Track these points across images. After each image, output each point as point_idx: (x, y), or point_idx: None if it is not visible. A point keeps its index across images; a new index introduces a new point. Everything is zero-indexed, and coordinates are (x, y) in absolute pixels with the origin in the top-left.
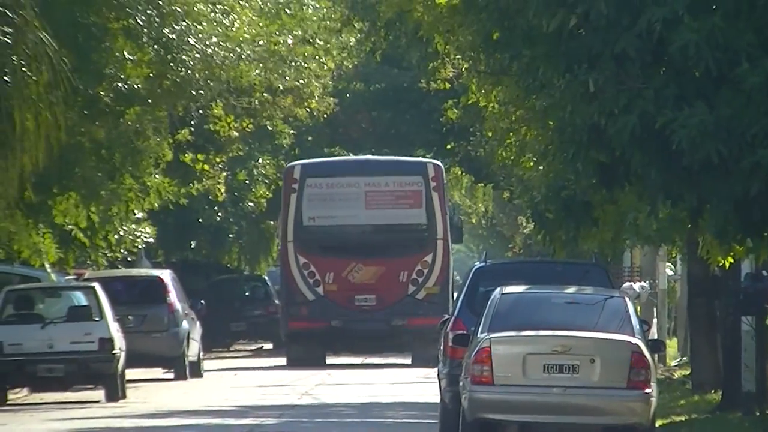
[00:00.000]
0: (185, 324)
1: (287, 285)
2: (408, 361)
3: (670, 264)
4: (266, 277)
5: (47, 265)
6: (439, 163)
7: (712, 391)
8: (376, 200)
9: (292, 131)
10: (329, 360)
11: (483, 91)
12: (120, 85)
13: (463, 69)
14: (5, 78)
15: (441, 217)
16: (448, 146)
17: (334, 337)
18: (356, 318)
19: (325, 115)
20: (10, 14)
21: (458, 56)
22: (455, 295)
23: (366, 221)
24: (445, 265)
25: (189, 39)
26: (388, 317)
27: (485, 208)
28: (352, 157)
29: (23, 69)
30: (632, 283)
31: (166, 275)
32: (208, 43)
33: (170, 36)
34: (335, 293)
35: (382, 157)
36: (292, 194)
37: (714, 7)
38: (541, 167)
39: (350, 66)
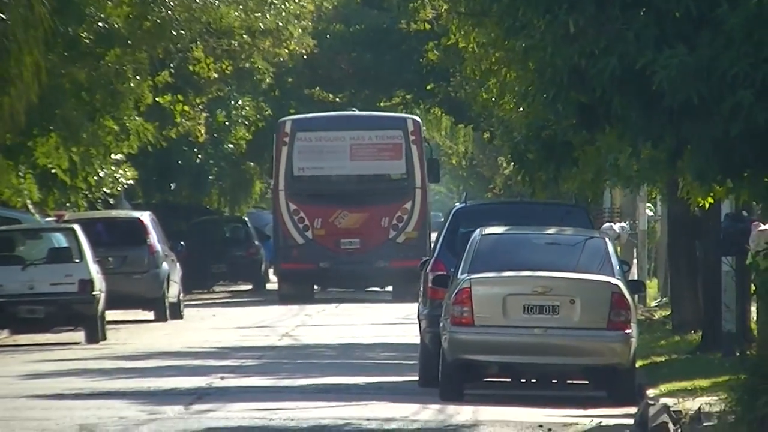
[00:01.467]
0: (165, 265)
1: (279, 230)
2: (390, 297)
3: (650, 205)
4: (246, 219)
5: (30, 206)
6: (417, 118)
7: (693, 331)
8: (360, 152)
9: (272, 69)
10: (317, 296)
11: (463, 32)
12: (100, 25)
13: (443, 10)
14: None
15: (419, 168)
16: (429, 87)
17: (322, 277)
18: (342, 260)
19: (304, 56)
20: None
21: None
22: (434, 236)
23: (351, 171)
24: (423, 212)
25: None
26: (371, 259)
27: (465, 148)
28: (338, 113)
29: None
30: (612, 224)
31: (145, 217)
32: None
33: None
34: (323, 237)
35: (365, 112)
36: (283, 147)
37: None
38: (522, 108)
39: (330, 7)
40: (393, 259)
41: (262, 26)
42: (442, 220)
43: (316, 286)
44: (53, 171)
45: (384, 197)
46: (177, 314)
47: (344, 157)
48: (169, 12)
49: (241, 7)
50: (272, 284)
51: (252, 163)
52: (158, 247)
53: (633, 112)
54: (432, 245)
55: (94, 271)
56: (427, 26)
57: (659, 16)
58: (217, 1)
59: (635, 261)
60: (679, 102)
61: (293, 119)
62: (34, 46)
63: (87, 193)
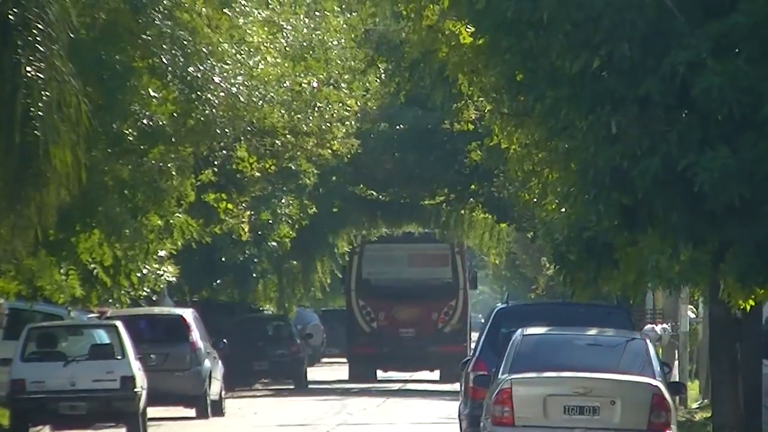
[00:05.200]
0: (207, 363)
1: (351, 320)
2: (437, 377)
3: (692, 306)
4: (289, 317)
5: (67, 305)
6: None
7: None
8: (416, 261)
9: (315, 171)
10: (379, 375)
11: (506, 132)
12: (144, 122)
13: (486, 110)
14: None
15: (462, 273)
16: (472, 187)
17: (384, 359)
18: (400, 345)
19: (348, 156)
20: (41, 49)
21: (482, 98)
22: (477, 335)
23: (409, 276)
24: (465, 308)
25: (214, 78)
26: (423, 345)
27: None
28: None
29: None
30: (654, 326)
31: (188, 314)
32: (232, 82)
33: (195, 74)
34: (385, 327)
35: (422, 231)
36: (355, 255)
37: (737, 50)
38: (564, 209)
39: (374, 107)
40: (441, 344)
41: (305, 127)
42: (482, 320)
43: (379, 372)
44: (94, 269)
45: (434, 296)
46: (219, 411)
47: (404, 265)
48: (213, 110)
49: (285, 107)
50: (313, 383)
51: (295, 262)
52: (200, 344)
53: (675, 213)
54: (474, 345)
55: (136, 367)
56: (471, 126)
57: (702, 117)
58: (261, 101)
59: (677, 362)
60: (721, 204)
61: (364, 236)
62: (73, 144)
63: (129, 290)
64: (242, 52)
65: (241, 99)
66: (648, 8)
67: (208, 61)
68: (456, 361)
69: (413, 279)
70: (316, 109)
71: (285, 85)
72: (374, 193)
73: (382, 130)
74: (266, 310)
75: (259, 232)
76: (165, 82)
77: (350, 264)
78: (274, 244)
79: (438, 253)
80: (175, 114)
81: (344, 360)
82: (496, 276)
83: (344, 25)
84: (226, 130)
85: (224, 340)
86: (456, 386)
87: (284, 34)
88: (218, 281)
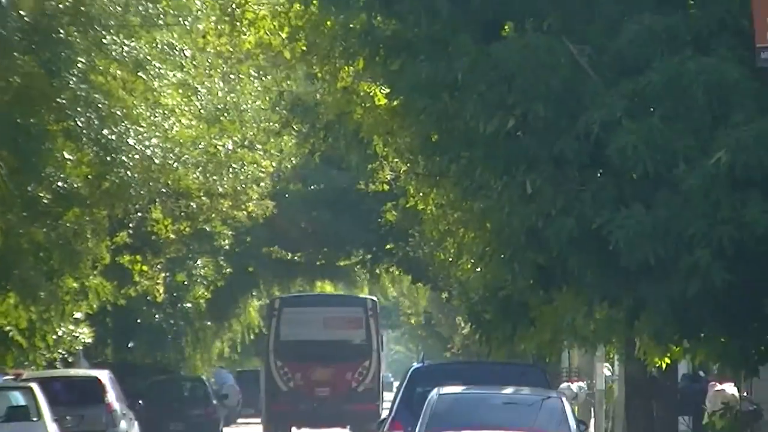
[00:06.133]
0: (123, 424)
1: (269, 380)
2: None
3: (607, 364)
4: (204, 378)
5: None
6: (374, 298)
7: None
8: (331, 323)
9: (230, 232)
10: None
11: (421, 193)
12: (59, 185)
13: (401, 171)
14: None
15: (375, 335)
16: (387, 247)
17: (301, 416)
18: (316, 404)
19: (263, 217)
20: None
21: (396, 159)
22: (394, 395)
23: (324, 338)
24: (377, 368)
25: (128, 140)
26: (338, 403)
27: (423, 308)
28: (315, 293)
29: None
30: (570, 384)
31: (104, 375)
32: (147, 144)
33: (110, 137)
34: (302, 386)
35: (335, 293)
36: (273, 318)
37: (652, 109)
38: (479, 268)
39: (289, 167)
40: (354, 403)
41: (220, 189)
42: (392, 380)
43: (294, 429)
44: (9, 332)
45: (348, 357)
46: None
47: (319, 327)
48: (128, 172)
49: (199, 169)
50: None
51: (209, 323)
52: (116, 405)
53: (589, 271)
54: (390, 404)
55: (53, 429)
56: (386, 187)
57: (617, 176)
58: (176, 163)
59: (593, 420)
60: (636, 262)
61: (281, 298)
62: None
63: (45, 352)
64: (157, 115)
65: (156, 161)
66: (562, 68)
67: (123, 124)
68: (369, 419)
69: (328, 341)
70: (231, 170)
71: (200, 146)
72: (289, 254)
73: (296, 190)
74: (180, 371)
75: (174, 294)
76: (80, 145)
77: (268, 326)
78: (189, 305)
79: (352, 316)
80: (89, 176)
81: (259, 421)
82: (411, 335)
83: (259, 88)
84: (141, 192)
85: (140, 401)
86: None
87: (199, 97)
88: (132, 343)
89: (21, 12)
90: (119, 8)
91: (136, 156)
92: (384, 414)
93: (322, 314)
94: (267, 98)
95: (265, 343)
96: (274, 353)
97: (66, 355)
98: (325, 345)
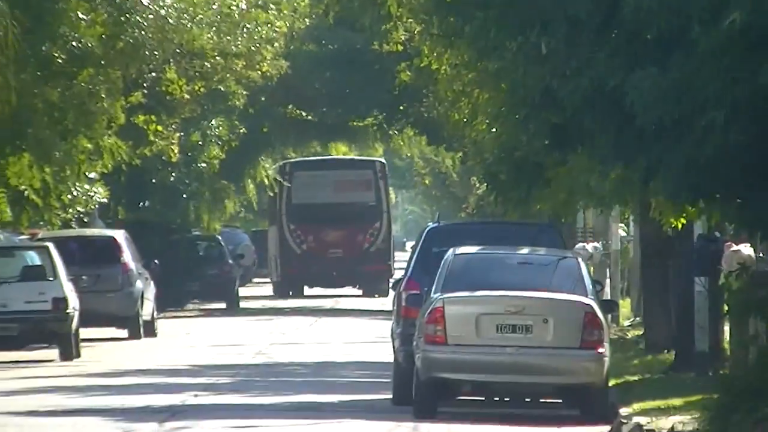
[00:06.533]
0: (139, 284)
1: (283, 243)
2: (360, 292)
3: (623, 225)
4: (220, 238)
5: None
6: (383, 160)
7: (666, 351)
8: (341, 186)
9: (245, 92)
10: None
11: (435, 53)
12: (74, 45)
13: (415, 31)
14: None
15: (385, 197)
16: (402, 108)
17: (314, 278)
18: (329, 265)
19: (277, 77)
20: None
21: (411, 19)
22: (410, 255)
23: (335, 200)
24: (388, 229)
25: (142, 0)
26: (350, 264)
27: (441, 168)
28: (325, 156)
29: None
30: (585, 244)
31: (119, 235)
32: (161, 4)
33: None
34: (315, 248)
35: (344, 157)
36: (285, 182)
37: None
38: (494, 129)
39: (302, 27)
40: (367, 264)
41: (234, 48)
42: (404, 240)
43: (306, 287)
44: (25, 191)
45: (360, 219)
46: (151, 332)
47: (331, 190)
48: (142, 33)
49: (213, 29)
50: (245, 302)
51: (225, 182)
52: (132, 265)
53: (604, 132)
54: (405, 265)
55: (68, 289)
56: (400, 47)
57: (631, 37)
58: (190, 23)
59: (608, 281)
60: (651, 123)
61: (292, 162)
62: (2, 67)
63: (60, 211)
64: None
65: (170, 21)
66: None
67: None
68: (381, 278)
69: (340, 203)
70: (245, 30)
71: (214, 6)
72: (303, 114)
73: (310, 50)
74: (196, 231)
75: (189, 154)
76: (94, 5)
77: (280, 190)
78: (203, 165)
79: (362, 178)
80: (104, 36)
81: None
82: (425, 196)
83: None
84: (155, 53)
85: (155, 261)
86: (380, 304)
87: None
88: (148, 202)
89: None
90: None
91: (150, 15)
92: (397, 274)
93: (333, 177)
94: None
95: (277, 206)
96: (286, 216)
97: (81, 215)
98: (337, 207)
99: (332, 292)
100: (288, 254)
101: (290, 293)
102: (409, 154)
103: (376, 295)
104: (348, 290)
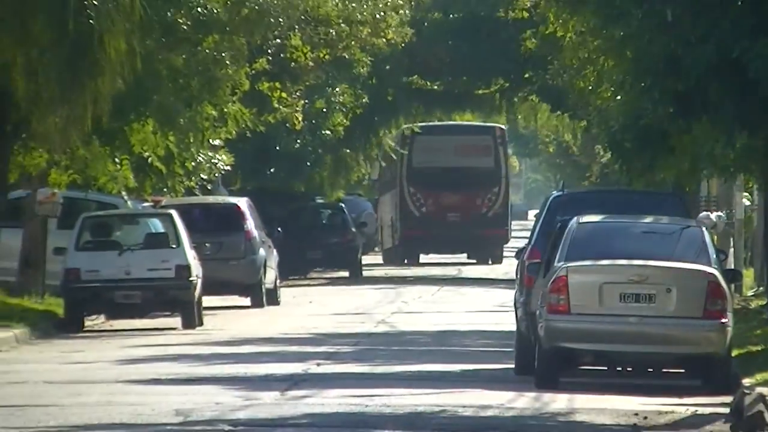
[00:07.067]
0: (262, 251)
1: (403, 206)
2: (474, 261)
3: (747, 194)
4: (343, 206)
5: (123, 192)
6: (503, 126)
7: None
8: (461, 151)
9: (369, 59)
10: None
11: (561, 20)
12: (198, 11)
13: None
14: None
15: (504, 162)
16: (526, 75)
17: (432, 241)
18: (447, 228)
19: (402, 45)
20: None
21: None
22: (534, 223)
23: (455, 165)
24: (506, 195)
25: None
26: (469, 228)
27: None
28: (444, 122)
29: None
30: (709, 213)
31: (242, 203)
32: None
33: None
34: (434, 212)
35: (464, 122)
36: (405, 146)
37: None
38: (619, 97)
39: None
40: (485, 228)
41: (359, 16)
42: (526, 209)
43: (423, 255)
44: (149, 158)
45: (478, 183)
46: (274, 300)
47: (450, 154)
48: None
49: None
50: (368, 270)
51: (348, 150)
52: (255, 233)
53: (729, 100)
54: (529, 233)
55: (191, 256)
56: (525, 14)
57: (756, 4)
58: None
59: (732, 250)
60: None
61: (412, 127)
62: (127, 33)
63: (184, 179)
64: None
65: None
66: None
67: None
68: (498, 243)
69: (459, 167)
70: None
71: None
72: (428, 83)
73: (436, 19)
74: (319, 199)
75: (313, 121)
76: None
77: (400, 154)
78: (327, 132)
79: (481, 143)
80: (229, 3)
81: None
82: (549, 164)
83: None
84: (280, 19)
85: (279, 229)
86: (503, 273)
87: None
88: (272, 170)
89: None
90: None
91: None
92: (514, 243)
93: (453, 142)
94: None
95: (397, 170)
96: (407, 180)
97: (205, 182)
98: (456, 171)
99: (447, 258)
100: (407, 217)
101: (405, 260)
102: (533, 124)
103: (490, 261)
104: (462, 258)
